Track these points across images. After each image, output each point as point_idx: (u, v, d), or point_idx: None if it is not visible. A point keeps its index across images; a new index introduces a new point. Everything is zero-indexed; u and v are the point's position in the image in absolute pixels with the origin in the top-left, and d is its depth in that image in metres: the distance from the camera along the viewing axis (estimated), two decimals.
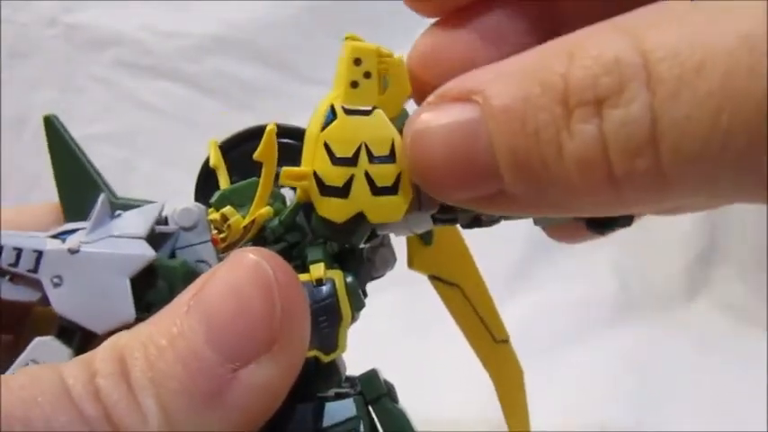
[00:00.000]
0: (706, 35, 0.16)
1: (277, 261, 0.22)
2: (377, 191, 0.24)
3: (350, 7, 0.81)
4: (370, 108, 0.24)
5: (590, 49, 0.18)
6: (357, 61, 0.24)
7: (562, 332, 0.70)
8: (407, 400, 0.29)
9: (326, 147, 0.23)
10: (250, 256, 0.22)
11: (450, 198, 0.22)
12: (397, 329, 0.65)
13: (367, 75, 0.24)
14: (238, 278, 0.22)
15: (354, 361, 0.28)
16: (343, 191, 0.23)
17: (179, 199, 0.27)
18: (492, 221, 0.26)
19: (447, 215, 0.26)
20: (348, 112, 0.24)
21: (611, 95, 0.17)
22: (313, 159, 0.24)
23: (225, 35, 0.82)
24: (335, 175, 0.23)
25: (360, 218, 0.24)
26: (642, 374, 0.64)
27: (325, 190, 0.23)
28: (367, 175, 0.23)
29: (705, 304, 0.76)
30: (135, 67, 0.81)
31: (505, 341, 0.34)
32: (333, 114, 0.24)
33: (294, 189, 0.26)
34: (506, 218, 0.26)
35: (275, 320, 0.21)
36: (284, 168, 0.24)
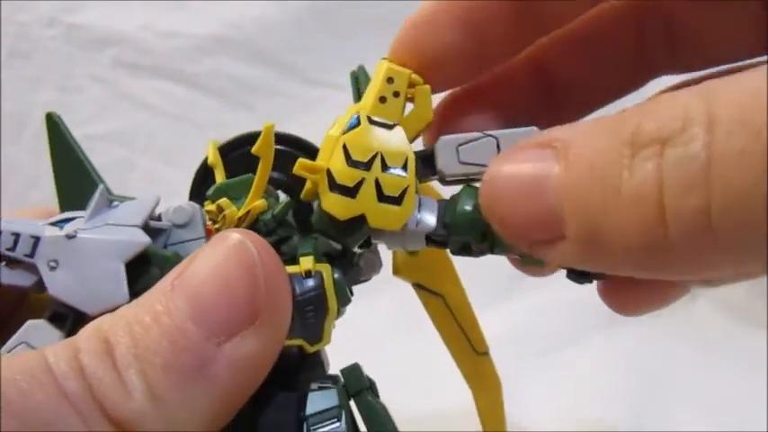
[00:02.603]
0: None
1: (260, 240, 0.23)
2: (382, 198, 0.25)
3: (350, 7, 0.82)
4: (392, 123, 0.25)
5: (663, 104, 0.19)
6: (390, 80, 0.26)
7: (562, 332, 0.70)
8: (399, 398, 0.29)
9: (345, 148, 0.25)
10: (234, 236, 0.23)
11: (513, 237, 0.22)
12: (388, 329, 0.65)
13: (396, 94, 0.26)
14: (222, 255, 0.22)
15: (347, 360, 0.28)
16: (352, 191, 0.24)
17: (178, 199, 0.27)
18: (481, 253, 0.27)
19: (439, 238, 0.26)
20: (372, 122, 0.25)
21: (674, 136, 0.18)
22: (329, 158, 0.25)
23: (224, 35, 0.82)
24: (347, 175, 0.24)
25: (360, 220, 0.25)
26: (642, 374, 0.64)
27: (335, 187, 0.24)
28: (377, 182, 0.25)
29: (705, 304, 0.76)
30: (135, 67, 0.81)
31: (485, 353, 0.34)
32: (357, 121, 0.25)
33: (284, 189, 0.28)
34: (494, 251, 0.26)
35: (259, 296, 0.22)
36: (300, 159, 0.24)
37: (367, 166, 0.24)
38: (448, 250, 0.27)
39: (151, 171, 0.80)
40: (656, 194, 0.18)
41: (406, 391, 0.31)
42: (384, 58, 0.26)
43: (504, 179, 0.22)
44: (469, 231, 0.25)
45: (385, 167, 0.25)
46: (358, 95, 0.29)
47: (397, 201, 0.25)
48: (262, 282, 0.22)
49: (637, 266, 0.20)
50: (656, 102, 0.19)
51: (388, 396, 0.28)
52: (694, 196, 0.17)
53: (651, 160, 0.18)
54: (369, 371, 0.28)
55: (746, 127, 0.16)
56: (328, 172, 0.24)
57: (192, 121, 0.81)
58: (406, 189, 0.25)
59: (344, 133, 0.25)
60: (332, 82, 0.81)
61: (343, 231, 0.25)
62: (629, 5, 0.30)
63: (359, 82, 0.29)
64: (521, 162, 0.22)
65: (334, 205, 0.24)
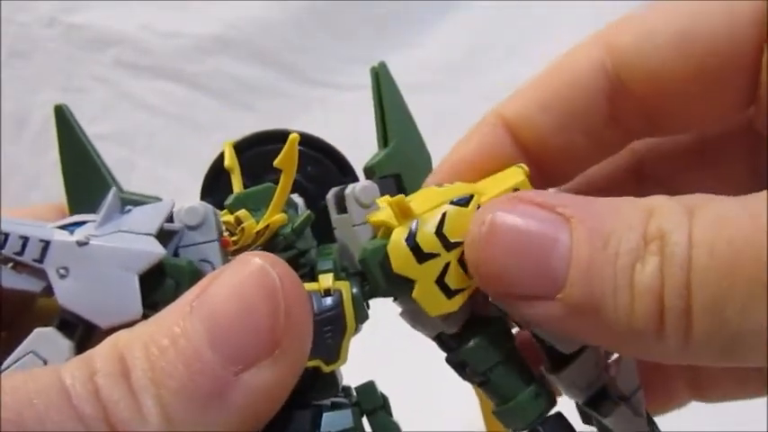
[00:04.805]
0: (732, 221, 0.21)
1: (282, 266, 0.22)
2: (440, 282, 0.24)
3: (350, 7, 0.81)
4: None
5: (664, 211, 0.22)
6: (516, 191, 0.26)
7: None
8: (406, 407, 0.28)
9: (443, 217, 0.24)
10: (256, 260, 0.22)
11: (506, 291, 0.23)
12: (398, 338, 0.65)
13: None
14: (243, 281, 0.21)
15: (355, 368, 0.28)
16: (421, 257, 0.24)
17: (179, 198, 0.26)
18: (469, 379, 0.27)
19: (449, 345, 0.26)
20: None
21: (667, 235, 0.21)
22: (423, 211, 0.24)
23: (225, 35, 0.82)
24: (429, 242, 0.24)
25: (408, 283, 0.24)
26: None
27: (410, 240, 0.24)
28: (446, 266, 0.24)
29: None
30: (135, 67, 0.81)
31: None
32: (467, 202, 0.24)
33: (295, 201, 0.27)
34: (484, 387, 0.26)
35: (279, 325, 0.21)
36: (400, 197, 0.24)
37: (450, 246, 0.24)
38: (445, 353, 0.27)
39: (152, 170, 0.80)
40: (660, 290, 0.21)
41: (414, 393, 0.31)
42: (520, 166, 0.26)
43: (506, 229, 0.22)
44: (481, 362, 0.25)
45: (461, 259, 0.24)
46: (378, 93, 0.28)
47: (449, 293, 0.24)
48: (282, 311, 0.21)
49: (624, 344, 0.22)
50: (656, 204, 0.22)
51: (394, 396, 0.28)
52: (681, 299, 0.21)
53: (657, 254, 0.21)
54: (378, 374, 0.28)
55: (715, 246, 0.20)
56: (415, 224, 0.24)
57: (192, 121, 0.81)
58: (463, 290, 0.24)
59: (452, 203, 0.24)
60: (332, 82, 0.81)
61: (386, 278, 0.25)
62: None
63: (379, 78, 0.28)
64: (525, 217, 0.22)
65: (399, 254, 0.24)
